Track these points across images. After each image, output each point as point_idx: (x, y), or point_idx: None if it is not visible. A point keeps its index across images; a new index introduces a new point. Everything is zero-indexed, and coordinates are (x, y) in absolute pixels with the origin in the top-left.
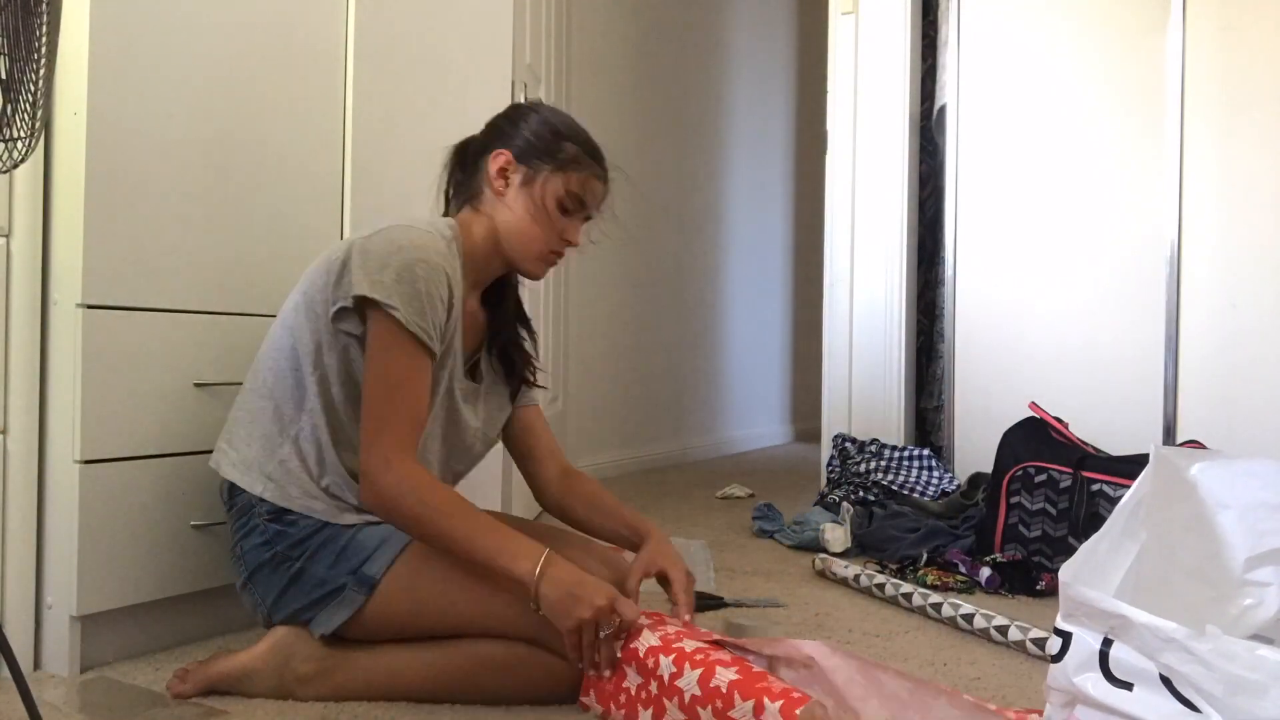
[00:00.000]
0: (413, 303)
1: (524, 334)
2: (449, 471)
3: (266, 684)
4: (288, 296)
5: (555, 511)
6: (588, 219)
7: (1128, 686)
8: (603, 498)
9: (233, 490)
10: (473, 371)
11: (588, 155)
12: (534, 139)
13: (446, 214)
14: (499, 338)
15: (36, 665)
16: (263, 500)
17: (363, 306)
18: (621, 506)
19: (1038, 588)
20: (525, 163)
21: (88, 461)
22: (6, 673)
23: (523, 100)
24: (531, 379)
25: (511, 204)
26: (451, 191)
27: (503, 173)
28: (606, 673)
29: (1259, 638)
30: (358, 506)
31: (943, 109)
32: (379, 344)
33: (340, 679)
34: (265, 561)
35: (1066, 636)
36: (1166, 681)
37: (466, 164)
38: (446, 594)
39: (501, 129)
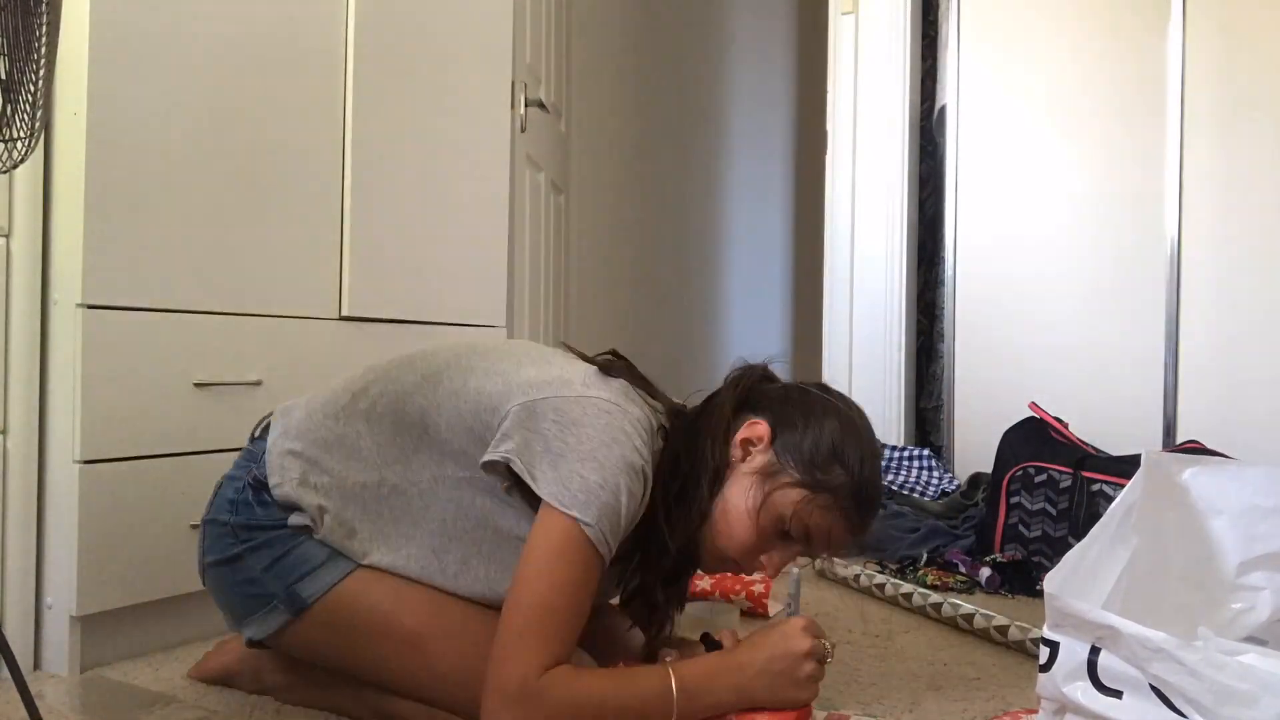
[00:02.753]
0: (608, 517)
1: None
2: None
3: (248, 686)
4: (430, 356)
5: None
6: (805, 555)
7: (1117, 694)
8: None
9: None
10: None
11: (853, 497)
12: (809, 442)
13: (684, 409)
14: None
15: (36, 665)
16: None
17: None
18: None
19: (1038, 588)
20: (779, 454)
21: (88, 461)
22: (7, 673)
23: (520, 102)
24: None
25: (737, 484)
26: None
27: (748, 445)
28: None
29: (1253, 640)
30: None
31: (943, 109)
32: (551, 545)
33: (307, 696)
34: (217, 521)
35: (1054, 646)
36: (1156, 689)
37: (735, 395)
38: (376, 648)
39: (788, 410)
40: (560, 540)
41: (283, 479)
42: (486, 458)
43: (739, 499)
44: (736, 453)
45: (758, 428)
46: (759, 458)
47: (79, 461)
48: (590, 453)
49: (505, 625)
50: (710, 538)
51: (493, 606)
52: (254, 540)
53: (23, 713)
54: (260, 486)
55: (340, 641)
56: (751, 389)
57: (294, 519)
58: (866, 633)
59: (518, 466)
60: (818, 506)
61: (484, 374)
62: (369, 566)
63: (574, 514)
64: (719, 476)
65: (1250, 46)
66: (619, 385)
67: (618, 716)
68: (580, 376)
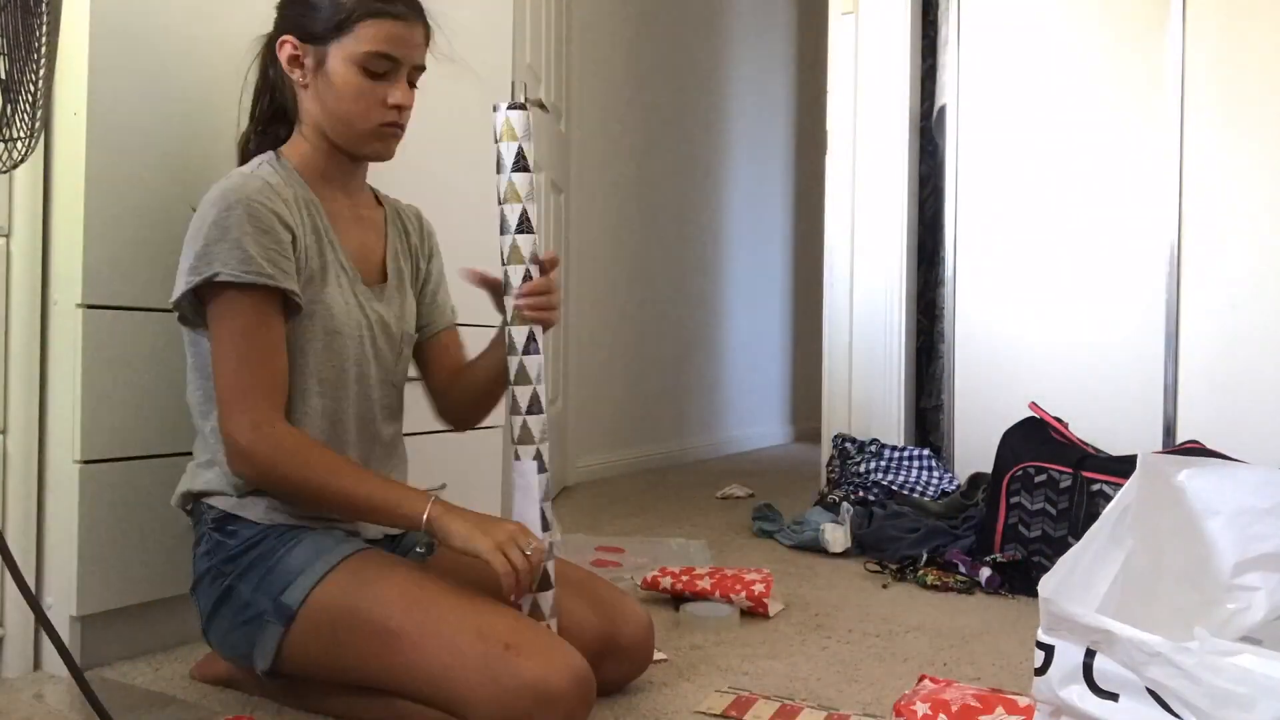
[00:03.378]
0: (233, 253)
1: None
2: (389, 394)
3: (251, 689)
4: None
5: (450, 402)
6: (416, 71)
7: (1113, 697)
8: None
9: (184, 499)
10: (380, 274)
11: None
12: (310, 8)
13: (254, 113)
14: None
15: (36, 665)
16: (210, 506)
17: (202, 297)
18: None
19: (1037, 588)
20: (311, 41)
21: (87, 461)
22: (7, 673)
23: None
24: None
25: (317, 92)
26: (268, 95)
27: (295, 61)
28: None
29: (1248, 639)
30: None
31: (943, 109)
32: (212, 316)
33: (307, 700)
34: (204, 573)
35: (1049, 649)
36: (1152, 692)
37: (276, 59)
38: (360, 649)
39: (281, 11)
40: (212, 308)
41: (208, 486)
42: (173, 302)
43: (319, 104)
44: (297, 75)
45: (285, 45)
46: (308, 60)
47: (79, 461)
48: (194, 234)
49: (218, 399)
50: (348, 138)
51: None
52: (237, 567)
53: (24, 712)
54: (220, 523)
55: (329, 647)
56: (270, 41)
57: (230, 504)
58: (866, 633)
59: (180, 287)
60: (364, 34)
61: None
62: (343, 564)
63: (199, 276)
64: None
65: (1250, 46)
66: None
67: (341, 495)
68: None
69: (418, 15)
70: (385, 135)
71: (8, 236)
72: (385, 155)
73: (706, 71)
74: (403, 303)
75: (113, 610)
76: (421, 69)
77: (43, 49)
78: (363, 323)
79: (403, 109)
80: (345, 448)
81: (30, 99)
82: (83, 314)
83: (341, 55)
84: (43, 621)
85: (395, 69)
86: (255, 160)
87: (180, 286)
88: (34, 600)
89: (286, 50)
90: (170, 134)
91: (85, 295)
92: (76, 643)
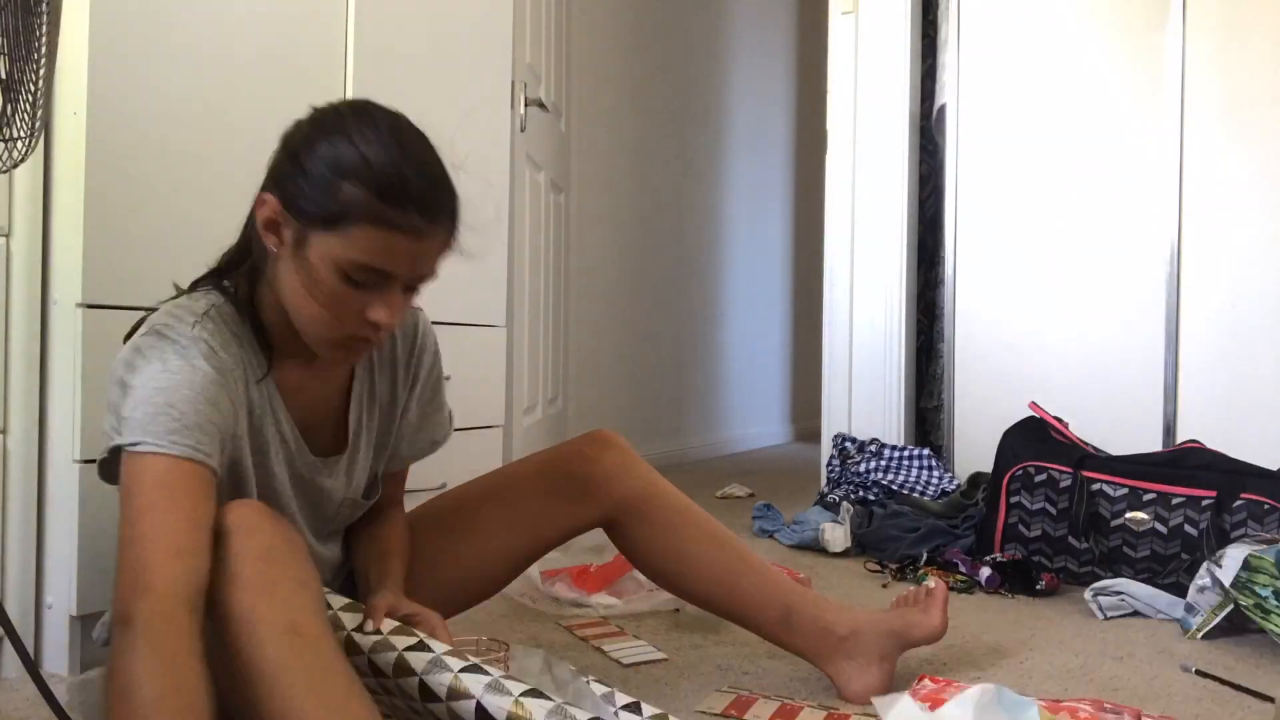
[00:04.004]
0: (158, 421)
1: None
2: (323, 536)
3: None
4: None
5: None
6: (412, 286)
7: None
8: (388, 545)
9: None
10: (338, 438)
11: (381, 201)
12: (307, 179)
13: (240, 237)
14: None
15: (36, 665)
16: None
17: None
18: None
19: (1037, 587)
20: (296, 215)
21: (88, 461)
22: (7, 673)
23: (520, 101)
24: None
25: (286, 270)
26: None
27: (272, 225)
28: None
29: None
30: None
31: (943, 108)
32: (124, 487)
33: None
34: None
35: None
36: None
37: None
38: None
39: (279, 157)
40: (125, 478)
41: None
42: (97, 463)
43: (287, 284)
44: (271, 241)
45: (265, 205)
46: (286, 231)
47: (79, 461)
48: (133, 386)
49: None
50: (306, 333)
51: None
52: None
53: (24, 712)
54: None
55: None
56: (268, 174)
57: None
58: None
59: (106, 445)
60: (357, 239)
61: None
62: None
63: (122, 442)
64: (261, 272)
65: (1250, 45)
66: (163, 305)
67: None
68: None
69: (436, 225)
70: (353, 347)
71: (8, 236)
72: (338, 364)
73: (706, 70)
74: (361, 467)
75: None
76: (428, 277)
77: (43, 48)
78: (294, 499)
79: (381, 328)
80: None
81: (30, 98)
82: (83, 313)
83: (324, 251)
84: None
85: (385, 281)
86: (204, 302)
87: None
88: None
89: (265, 210)
90: (170, 133)
91: (85, 295)
92: (76, 643)
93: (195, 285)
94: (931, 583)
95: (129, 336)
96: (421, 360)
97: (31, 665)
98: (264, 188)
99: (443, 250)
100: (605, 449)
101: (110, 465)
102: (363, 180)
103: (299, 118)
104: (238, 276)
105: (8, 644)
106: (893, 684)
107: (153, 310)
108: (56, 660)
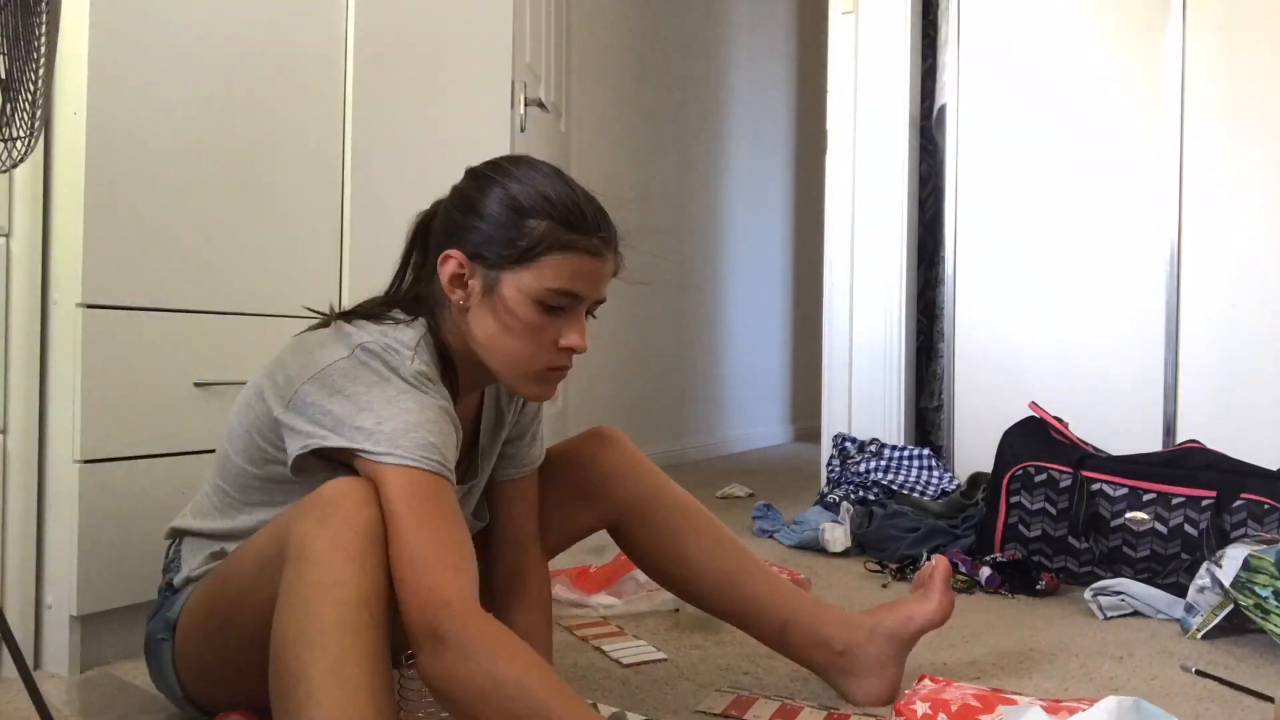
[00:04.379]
0: (425, 446)
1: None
2: None
3: None
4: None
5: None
6: (596, 304)
7: None
8: (536, 625)
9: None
10: (469, 468)
11: (566, 229)
12: (489, 226)
13: (395, 292)
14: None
15: (36, 665)
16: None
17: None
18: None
19: (1037, 587)
20: (482, 262)
21: (87, 461)
22: (8, 672)
23: (520, 101)
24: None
25: (479, 318)
26: (409, 278)
27: (458, 280)
28: None
29: None
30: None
31: (943, 108)
32: (400, 495)
33: None
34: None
35: None
36: None
37: (430, 249)
38: (227, 654)
39: (452, 216)
40: (384, 487)
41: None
42: (292, 457)
43: (481, 330)
44: (458, 295)
45: (449, 261)
46: (473, 282)
47: (79, 461)
48: (369, 402)
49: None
50: (507, 374)
51: None
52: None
53: (25, 712)
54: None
55: (202, 653)
56: (428, 230)
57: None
58: None
59: (329, 442)
60: (548, 267)
61: (236, 415)
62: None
63: (401, 460)
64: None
65: (1250, 45)
66: (348, 329)
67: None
68: (312, 349)
69: (609, 248)
70: (549, 380)
71: (8, 236)
72: (539, 399)
73: (706, 71)
74: (478, 491)
75: (112, 610)
76: (603, 300)
77: (42, 48)
78: None
79: (575, 351)
80: None
81: (30, 98)
82: (83, 314)
83: (518, 286)
84: None
85: (575, 305)
86: (411, 334)
87: (358, 444)
88: None
89: (450, 267)
90: (170, 133)
91: (85, 295)
92: (76, 642)
93: (356, 313)
94: (933, 560)
95: (305, 339)
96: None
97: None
98: (441, 247)
99: (614, 273)
100: (607, 448)
101: (303, 464)
102: (545, 214)
103: (455, 182)
104: (421, 314)
105: (5, 644)
106: (899, 686)
107: (323, 322)
108: (56, 660)
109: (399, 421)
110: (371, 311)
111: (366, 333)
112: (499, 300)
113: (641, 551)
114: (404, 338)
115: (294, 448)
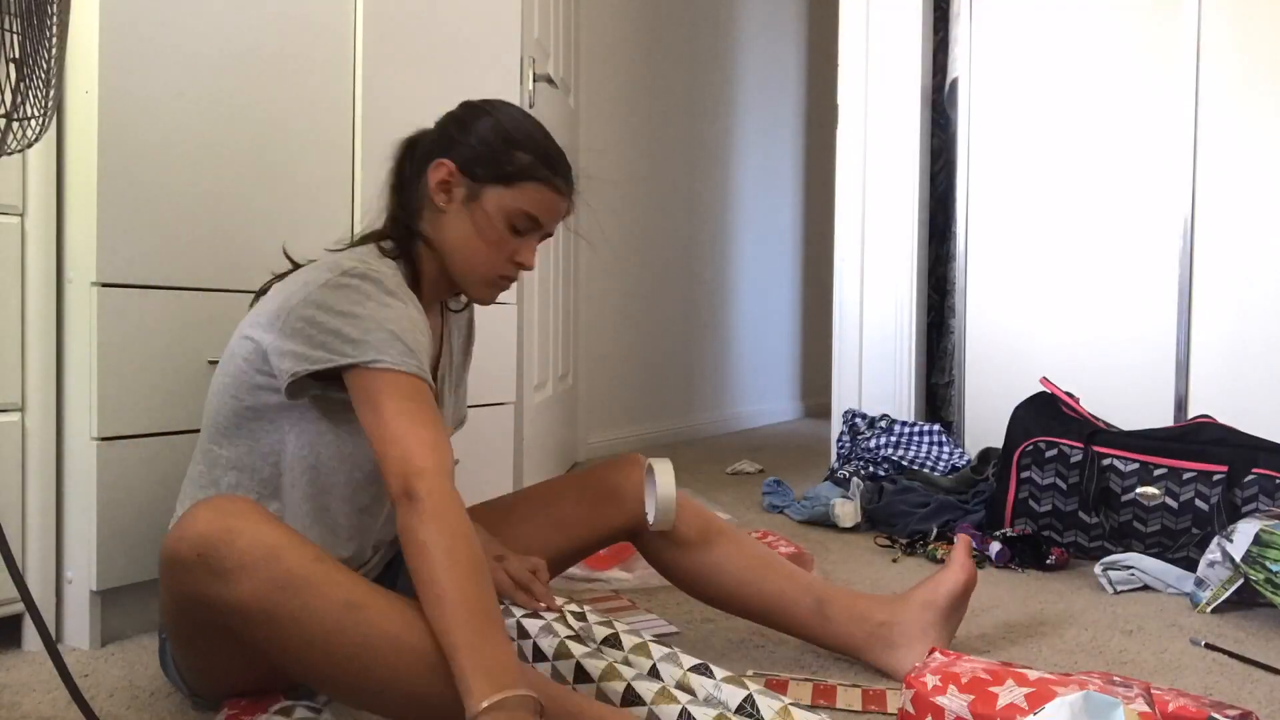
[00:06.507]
0: (404, 348)
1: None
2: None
3: None
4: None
5: None
6: (545, 237)
7: None
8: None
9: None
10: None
11: (544, 166)
12: (481, 147)
13: (390, 212)
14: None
15: (58, 639)
16: None
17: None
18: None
19: (1048, 562)
20: (470, 174)
21: (104, 438)
22: (31, 645)
23: (529, 77)
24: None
25: (455, 221)
26: (398, 194)
27: (444, 186)
28: None
29: None
30: None
31: (955, 82)
32: (386, 392)
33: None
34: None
35: None
36: None
37: (415, 163)
38: (212, 649)
39: (448, 133)
40: (366, 390)
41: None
42: (286, 380)
43: (466, 229)
44: (441, 199)
45: (441, 167)
46: (458, 189)
47: (96, 438)
48: (355, 315)
49: (384, 455)
50: (465, 274)
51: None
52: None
53: (45, 685)
54: None
55: (193, 648)
56: (416, 144)
57: None
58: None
59: (320, 365)
60: (523, 192)
61: (219, 373)
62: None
63: (387, 365)
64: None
65: (1266, 20)
66: (330, 257)
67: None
68: (299, 278)
69: (572, 190)
70: (498, 285)
71: (22, 216)
72: (484, 301)
73: (716, 47)
74: (456, 398)
75: (132, 584)
76: (552, 234)
77: (54, 27)
78: None
79: (525, 269)
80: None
81: (43, 77)
82: (97, 292)
83: (498, 202)
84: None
85: (534, 230)
86: (382, 256)
87: (349, 355)
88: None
89: (441, 173)
90: (182, 111)
91: (100, 273)
92: (97, 617)
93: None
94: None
95: (259, 294)
96: (473, 334)
97: (49, 640)
98: (432, 151)
99: (568, 213)
100: (634, 468)
101: (297, 385)
102: (530, 149)
103: (450, 109)
104: (399, 239)
105: (28, 618)
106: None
107: (294, 268)
108: (78, 634)
109: (383, 331)
110: (354, 243)
111: (348, 258)
112: (478, 210)
113: (662, 562)
114: (377, 259)
115: (287, 368)
